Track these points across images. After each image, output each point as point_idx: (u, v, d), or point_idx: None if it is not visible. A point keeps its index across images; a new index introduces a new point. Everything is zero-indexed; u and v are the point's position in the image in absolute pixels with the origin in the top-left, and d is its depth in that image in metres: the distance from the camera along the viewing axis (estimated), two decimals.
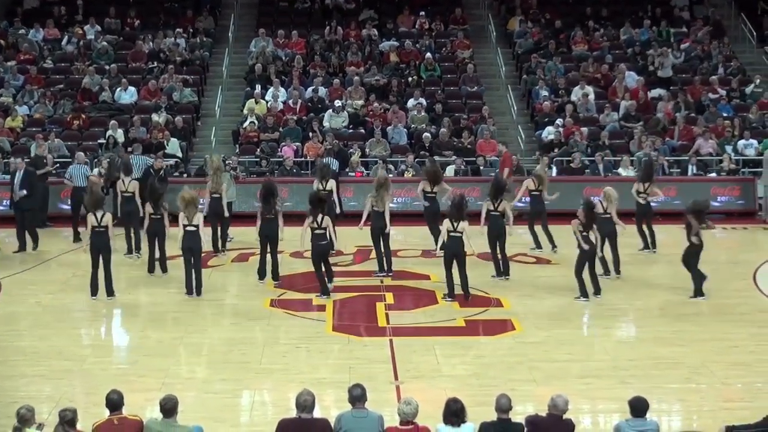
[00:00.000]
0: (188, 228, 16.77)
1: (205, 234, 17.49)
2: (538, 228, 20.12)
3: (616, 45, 31.31)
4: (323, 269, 16.96)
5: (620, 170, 24.87)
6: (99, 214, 16.69)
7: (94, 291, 16.84)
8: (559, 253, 19.64)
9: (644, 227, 20.16)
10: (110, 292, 16.87)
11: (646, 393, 10.24)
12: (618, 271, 18.20)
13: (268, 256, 17.84)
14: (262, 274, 17.96)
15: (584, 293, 16.64)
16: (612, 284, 17.67)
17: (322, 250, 16.88)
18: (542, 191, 19.96)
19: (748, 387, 12.93)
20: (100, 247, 16.70)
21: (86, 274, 17.16)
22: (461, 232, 16.46)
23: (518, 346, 14.55)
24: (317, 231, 16.74)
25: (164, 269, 18.42)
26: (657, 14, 32.60)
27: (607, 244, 18.01)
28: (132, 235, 19.81)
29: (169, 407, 9.45)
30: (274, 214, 17.61)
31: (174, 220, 17.69)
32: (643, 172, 20.51)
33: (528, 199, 20.45)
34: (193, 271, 17.01)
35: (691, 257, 16.75)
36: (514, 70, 30.91)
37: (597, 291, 16.83)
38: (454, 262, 16.66)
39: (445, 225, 16.55)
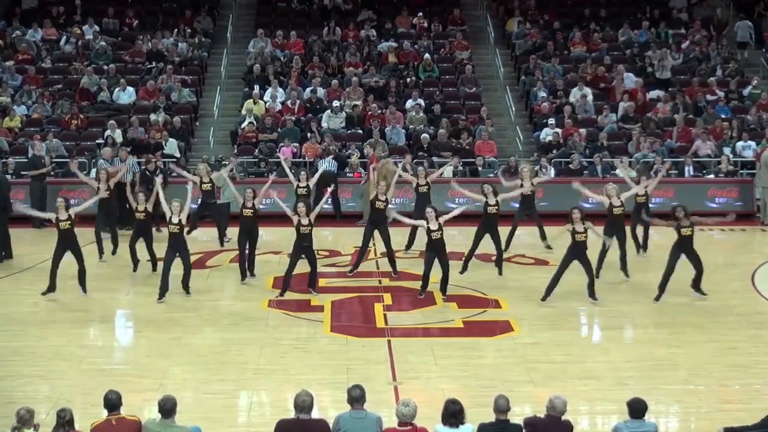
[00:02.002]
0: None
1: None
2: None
3: (614, 46, 31.33)
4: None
5: (618, 171, 24.85)
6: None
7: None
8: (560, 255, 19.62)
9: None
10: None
11: (644, 394, 10.23)
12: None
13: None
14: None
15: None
16: (610, 286, 17.67)
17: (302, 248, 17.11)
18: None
19: (746, 388, 12.94)
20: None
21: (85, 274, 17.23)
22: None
23: (516, 348, 14.55)
24: (303, 230, 16.89)
25: (153, 268, 18.55)
26: (655, 15, 32.63)
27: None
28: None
29: (167, 408, 9.45)
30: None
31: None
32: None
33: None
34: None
35: None
36: (512, 71, 30.93)
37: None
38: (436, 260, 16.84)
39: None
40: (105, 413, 9.58)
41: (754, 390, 12.89)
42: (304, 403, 9.40)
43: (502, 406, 9.51)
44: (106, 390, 9.71)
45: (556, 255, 19.63)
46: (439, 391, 12.13)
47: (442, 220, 16.60)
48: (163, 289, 16.82)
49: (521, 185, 19.89)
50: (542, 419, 9.62)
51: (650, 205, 20.18)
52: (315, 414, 9.65)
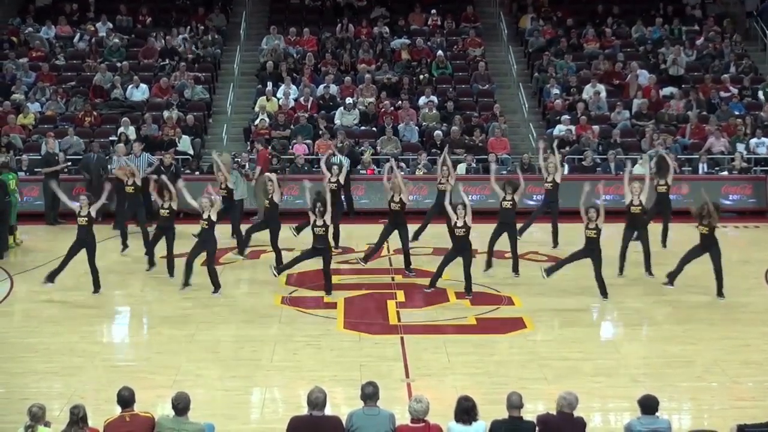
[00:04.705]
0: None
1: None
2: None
3: (627, 43, 31.25)
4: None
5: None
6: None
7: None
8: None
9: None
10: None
11: (657, 391, 10.24)
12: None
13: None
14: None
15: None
16: (622, 282, 17.65)
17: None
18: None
19: (760, 386, 12.91)
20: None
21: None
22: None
23: (529, 345, 14.56)
24: (317, 230, 16.88)
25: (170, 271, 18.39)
26: (669, 12, 32.52)
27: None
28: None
29: (180, 405, 9.47)
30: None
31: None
32: (657, 167, 20.51)
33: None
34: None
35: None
36: (525, 68, 30.88)
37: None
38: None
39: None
40: (118, 410, 9.61)
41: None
42: (317, 400, 9.41)
43: (515, 403, 9.51)
44: (120, 386, 9.75)
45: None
46: (452, 388, 12.15)
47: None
48: (187, 276, 17.20)
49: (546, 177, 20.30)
50: (555, 416, 9.61)
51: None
52: (328, 411, 9.68)
